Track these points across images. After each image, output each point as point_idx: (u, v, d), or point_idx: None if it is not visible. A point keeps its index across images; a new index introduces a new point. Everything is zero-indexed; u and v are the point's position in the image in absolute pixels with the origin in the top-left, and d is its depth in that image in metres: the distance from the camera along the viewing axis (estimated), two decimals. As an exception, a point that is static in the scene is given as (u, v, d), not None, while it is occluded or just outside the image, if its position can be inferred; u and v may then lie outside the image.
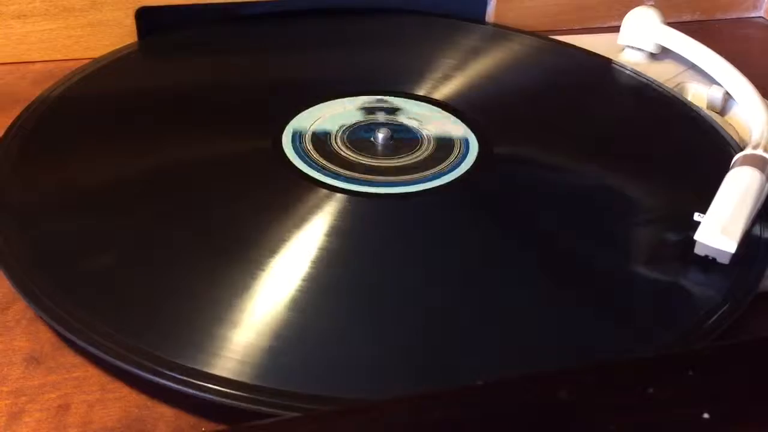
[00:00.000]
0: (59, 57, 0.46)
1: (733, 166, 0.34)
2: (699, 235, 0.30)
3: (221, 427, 0.25)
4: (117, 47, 0.46)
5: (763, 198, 0.33)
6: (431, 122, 0.40)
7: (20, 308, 0.29)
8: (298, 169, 0.35)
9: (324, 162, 0.36)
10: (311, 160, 0.36)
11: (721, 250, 0.30)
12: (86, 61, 0.44)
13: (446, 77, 0.44)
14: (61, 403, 0.25)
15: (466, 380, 0.22)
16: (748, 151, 0.35)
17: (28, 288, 0.28)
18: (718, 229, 0.30)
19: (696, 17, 0.59)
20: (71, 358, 0.27)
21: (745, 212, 0.31)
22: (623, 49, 0.50)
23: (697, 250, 0.30)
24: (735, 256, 0.30)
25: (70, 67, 0.44)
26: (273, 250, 0.30)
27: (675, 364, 0.21)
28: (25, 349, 0.27)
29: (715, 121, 0.43)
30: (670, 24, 0.49)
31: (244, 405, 0.24)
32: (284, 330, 0.27)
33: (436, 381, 0.26)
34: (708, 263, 0.31)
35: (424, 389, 0.20)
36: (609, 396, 0.20)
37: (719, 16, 0.59)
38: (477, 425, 0.19)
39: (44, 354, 0.27)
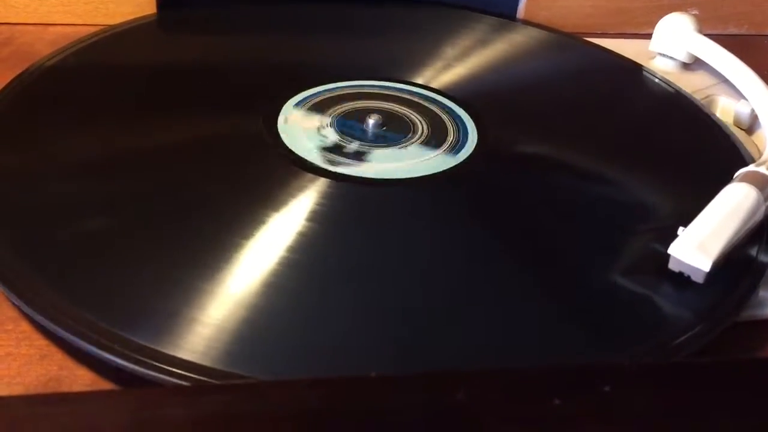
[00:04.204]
0: (78, 21, 0.47)
1: (731, 182, 0.32)
2: (673, 249, 0.28)
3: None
4: (136, 16, 0.46)
5: (758, 218, 0.31)
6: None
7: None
8: (289, 148, 0.34)
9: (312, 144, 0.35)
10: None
11: (695, 268, 0.28)
12: (103, 27, 0.45)
13: (448, 67, 0.43)
14: (-14, 354, 0.25)
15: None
16: (750, 167, 0.32)
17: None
18: (695, 245, 0.28)
19: (743, 31, 0.56)
20: (9, 311, 0.27)
21: (729, 231, 0.29)
22: (655, 57, 0.48)
23: (672, 266, 0.28)
24: (713, 276, 0.28)
25: (88, 32, 0.45)
26: (249, 233, 0.30)
27: (591, 378, 0.20)
28: (-35, 300, 0.27)
29: (737, 137, 0.40)
30: (713, 36, 0.47)
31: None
32: (251, 315, 0.26)
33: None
34: (688, 281, 0.29)
35: (314, 376, 0.19)
36: (509, 402, 0.19)
37: (768, 31, 0.56)
38: (363, 417, 0.18)
39: (-16, 305, 0.27)
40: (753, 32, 0.56)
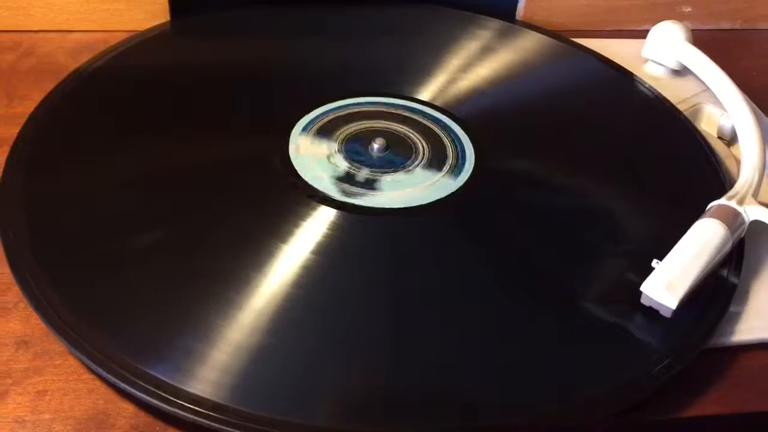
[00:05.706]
0: (96, 28, 0.49)
1: (702, 216, 0.35)
2: (645, 287, 0.32)
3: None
4: (151, 22, 0.48)
5: (725, 251, 0.34)
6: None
7: (19, 291, 0.31)
8: (300, 175, 0.37)
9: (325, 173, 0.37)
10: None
11: (664, 305, 0.31)
12: (120, 34, 0.47)
13: (451, 81, 0.45)
14: (40, 388, 0.29)
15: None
16: (722, 201, 0.35)
17: (22, 275, 0.31)
18: (664, 284, 0.31)
19: (736, 26, 0.58)
20: (56, 345, 0.30)
21: (696, 269, 0.32)
22: (647, 62, 0.50)
23: (643, 300, 0.32)
24: (684, 308, 0.31)
25: (105, 39, 0.47)
26: (258, 267, 0.32)
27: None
28: (17, 332, 0.31)
29: (718, 153, 0.43)
30: (707, 31, 0.48)
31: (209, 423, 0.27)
32: (258, 353, 0.29)
33: (407, 414, 0.28)
34: (658, 314, 0.32)
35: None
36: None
37: (761, 26, 0.58)
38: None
39: (34, 338, 0.30)
40: (746, 27, 0.58)
